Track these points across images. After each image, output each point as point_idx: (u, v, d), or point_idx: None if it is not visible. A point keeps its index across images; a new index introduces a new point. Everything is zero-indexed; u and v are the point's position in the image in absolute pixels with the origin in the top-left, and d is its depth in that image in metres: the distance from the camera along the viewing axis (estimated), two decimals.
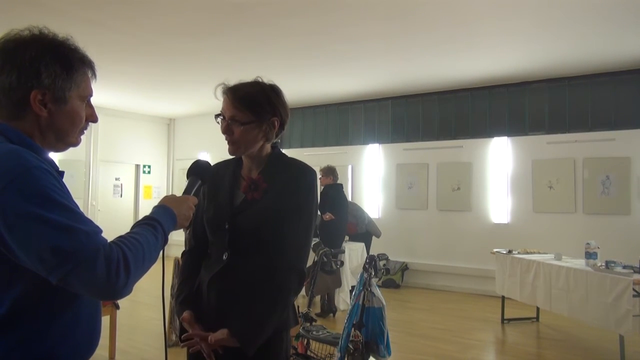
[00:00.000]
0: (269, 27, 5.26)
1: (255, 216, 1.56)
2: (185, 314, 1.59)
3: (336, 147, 9.03)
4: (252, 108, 1.56)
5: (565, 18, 4.92)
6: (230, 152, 1.62)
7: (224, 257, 1.57)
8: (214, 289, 1.58)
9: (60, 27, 1.26)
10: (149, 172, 11.12)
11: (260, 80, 1.62)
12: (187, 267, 1.72)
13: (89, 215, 8.35)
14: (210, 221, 1.64)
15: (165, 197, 1.31)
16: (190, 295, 1.65)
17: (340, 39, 5.62)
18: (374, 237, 7.22)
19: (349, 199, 7.71)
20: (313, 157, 8.77)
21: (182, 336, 1.57)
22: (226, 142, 1.60)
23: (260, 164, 1.64)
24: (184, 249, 1.85)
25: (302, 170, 1.63)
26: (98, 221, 9.36)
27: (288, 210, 1.56)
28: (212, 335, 1.49)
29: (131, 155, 10.76)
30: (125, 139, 10.54)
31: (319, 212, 6.29)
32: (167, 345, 4.54)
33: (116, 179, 10.57)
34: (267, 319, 1.49)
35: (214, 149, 9.84)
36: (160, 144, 11.42)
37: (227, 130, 1.57)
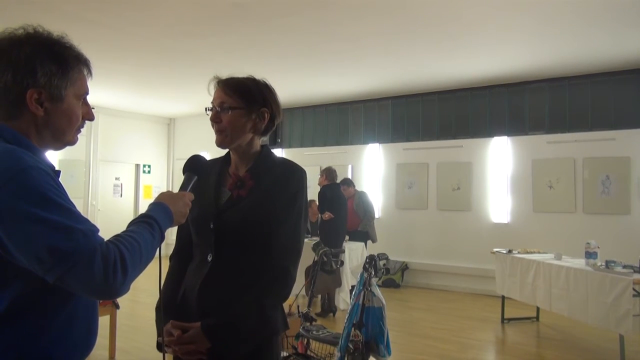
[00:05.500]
0: (269, 26, 5.26)
1: (241, 214, 1.51)
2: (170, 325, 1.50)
3: (336, 147, 9.03)
4: (242, 94, 1.53)
5: (565, 18, 4.92)
6: (218, 143, 1.57)
7: (208, 258, 1.52)
8: (203, 295, 1.51)
9: (59, 27, 1.25)
10: (149, 172, 11.12)
11: (253, 77, 1.61)
12: (170, 273, 1.66)
13: (89, 215, 8.29)
14: (194, 221, 1.58)
15: (162, 194, 1.30)
16: (171, 301, 1.58)
17: (341, 39, 5.62)
18: (369, 242, 7.13)
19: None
20: (313, 157, 8.79)
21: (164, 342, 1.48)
22: (214, 133, 1.56)
23: (248, 162, 1.60)
24: None
25: (291, 169, 1.59)
26: (98, 221, 9.41)
27: (277, 209, 1.51)
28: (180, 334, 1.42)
29: (131, 155, 10.76)
30: (125, 138, 10.54)
31: (318, 213, 6.32)
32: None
33: (116, 179, 10.57)
34: (244, 321, 1.43)
35: (214, 149, 9.76)
36: (160, 143, 11.42)
37: (215, 118, 1.54)
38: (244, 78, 1.59)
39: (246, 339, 1.44)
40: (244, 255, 1.51)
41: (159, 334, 1.49)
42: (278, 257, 1.50)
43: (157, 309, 1.56)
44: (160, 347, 1.49)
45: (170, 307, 1.56)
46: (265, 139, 1.69)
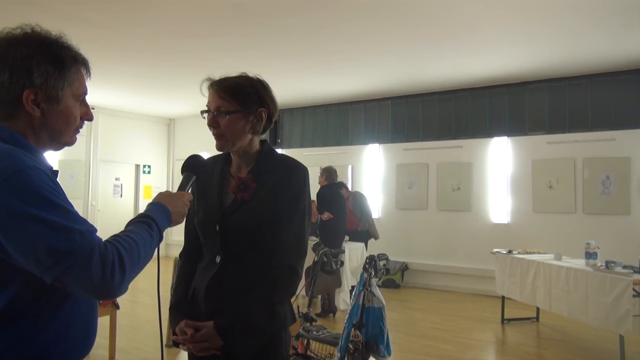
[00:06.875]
0: (269, 27, 5.26)
1: (246, 218, 1.52)
2: (182, 323, 1.54)
3: (336, 147, 9.03)
4: (238, 97, 1.51)
5: (565, 18, 4.92)
6: (218, 147, 1.57)
7: (217, 259, 1.54)
8: (210, 294, 1.54)
9: (59, 27, 1.25)
10: (148, 172, 11.12)
11: (246, 74, 1.59)
12: (181, 273, 1.69)
13: (89, 216, 8.31)
14: (200, 223, 1.60)
15: (160, 194, 1.30)
16: (183, 300, 1.61)
17: (341, 39, 5.62)
18: (371, 240, 7.16)
19: None
20: (313, 157, 8.78)
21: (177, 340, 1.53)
22: (213, 137, 1.55)
23: (249, 162, 1.60)
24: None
25: (293, 168, 1.58)
26: (98, 221, 9.41)
27: (281, 210, 1.52)
28: (195, 334, 1.48)
29: (131, 155, 10.75)
30: (125, 138, 10.53)
31: (318, 213, 6.31)
32: (166, 345, 4.54)
33: (116, 179, 10.56)
34: (254, 320, 1.46)
35: (214, 149, 9.79)
36: (160, 143, 11.41)
37: (212, 123, 1.52)
38: (237, 78, 1.56)
39: (257, 336, 1.48)
40: (250, 256, 1.53)
41: (174, 332, 1.55)
42: (283, 256, 1.52)
43: (170, 308, 1.62)
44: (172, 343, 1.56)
45: (180, 306, 1.61)
46: (264, 136, 1.68)
